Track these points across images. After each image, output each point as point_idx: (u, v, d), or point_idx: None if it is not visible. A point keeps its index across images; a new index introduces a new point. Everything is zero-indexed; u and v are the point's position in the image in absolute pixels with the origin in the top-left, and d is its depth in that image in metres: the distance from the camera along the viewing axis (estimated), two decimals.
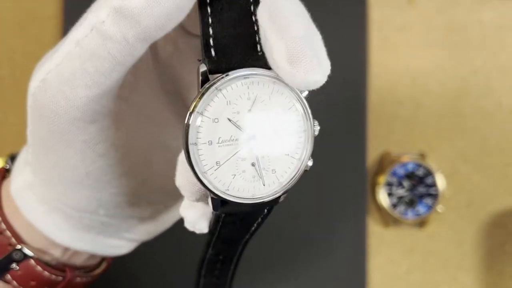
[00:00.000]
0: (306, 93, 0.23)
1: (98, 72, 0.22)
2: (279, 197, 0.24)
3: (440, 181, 0.50)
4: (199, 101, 0.22)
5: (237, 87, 0.22)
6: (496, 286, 0.50)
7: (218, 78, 0.22)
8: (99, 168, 0.27)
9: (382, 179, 0.50)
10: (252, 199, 0.23)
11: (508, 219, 0.51)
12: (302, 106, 0.23)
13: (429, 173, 0.50)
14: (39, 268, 0.30)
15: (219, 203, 0.24)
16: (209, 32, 0.22)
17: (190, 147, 0.22)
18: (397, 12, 0.52)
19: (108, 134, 0.26)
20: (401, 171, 0.50)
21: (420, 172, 0.50)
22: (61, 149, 0.26)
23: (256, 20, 0.22)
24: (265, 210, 0.26)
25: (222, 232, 0.27)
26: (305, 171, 0.24)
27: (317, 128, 0.24)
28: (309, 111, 0.23)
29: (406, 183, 0.50)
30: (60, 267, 0.31)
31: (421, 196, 0.50)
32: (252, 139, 0.23)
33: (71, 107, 0.24)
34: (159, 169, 0.30)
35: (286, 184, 0.23)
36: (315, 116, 0.23)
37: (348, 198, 0.50)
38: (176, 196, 0.31)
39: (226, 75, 0.22)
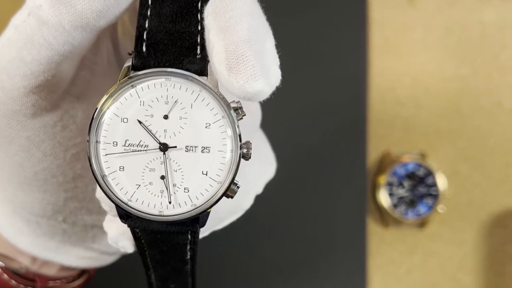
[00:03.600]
0: (247, 115, 0.20)
1: (36, 61, 0.21)
2: (198, 219, 0.21)
3: (441, 181, 0.49)
4: (109, 97, 0.20)
5: (155, 88, 0.20)
6: (497, 287, 0.50)
7: (135, 74, 0.20)
8: (47, 169, 0.25)
9: (383, 179, 0.50)
10: (158, 216, 0.20)
11: (509, 219, 0.51)
12: (230, 123, 0.20)
13: (429, 173, 0.49)
14: (5, 276, 0.29)
15: (124, 214, 0.21)
16: (144, 25, 0.20)
17: (93, 145, 0.20)
18: (398, 12, 0.52)
19: (54, 132, 0.24)
20: (401, 171, 0.50)
21: (420, 172, 0.50)
22: (4, 145, 0.24)
23: (202, 18, 0.20)
24: (189, 235, 0.22)
25: (151, 253, 0.24)
26: (229, 196, 0.21)
27: (250, 152, 0.20)
28: (238, 130, 0.20)
29: (406, 183, 0.50)
30: (30, 277, 0.30)
31: (422, 196, 0.50)
32: (164, 148, 0.20)
33: (8, 99, 0.22)
34: None
35: (200, 207, 0.20)
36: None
37: (348, 198, 0.50)
38: None
39: (145, 71, 0.20)
